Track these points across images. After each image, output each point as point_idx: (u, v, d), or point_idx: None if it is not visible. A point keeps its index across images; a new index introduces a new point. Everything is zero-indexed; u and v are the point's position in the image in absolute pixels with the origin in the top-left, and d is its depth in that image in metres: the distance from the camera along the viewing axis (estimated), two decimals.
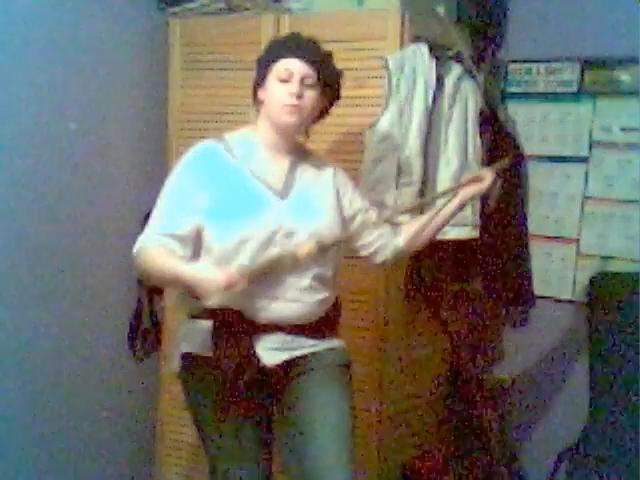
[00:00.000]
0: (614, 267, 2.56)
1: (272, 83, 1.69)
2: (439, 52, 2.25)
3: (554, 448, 2.55)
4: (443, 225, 1.94)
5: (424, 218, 1.92)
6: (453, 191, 1.93)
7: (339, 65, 2.27)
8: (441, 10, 2.30)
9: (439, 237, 2.25)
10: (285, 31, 2.36)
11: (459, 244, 2.35)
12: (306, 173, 1.78)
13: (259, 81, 1.74)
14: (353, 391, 1.83)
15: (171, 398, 2.69)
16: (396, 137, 2.16)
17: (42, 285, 2.35)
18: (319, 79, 1.70)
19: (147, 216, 2.68)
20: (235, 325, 1.68)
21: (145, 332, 2.75)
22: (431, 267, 2.41)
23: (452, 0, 2.38)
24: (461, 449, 2.66)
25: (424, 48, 2.20)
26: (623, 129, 2.54)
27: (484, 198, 2.38)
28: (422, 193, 2.22)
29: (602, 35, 2.54)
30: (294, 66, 1.67)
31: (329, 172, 1.83)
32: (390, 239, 1.88)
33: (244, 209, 1.68)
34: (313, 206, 1.74)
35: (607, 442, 2.37)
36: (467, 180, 1.93)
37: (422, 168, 2.21)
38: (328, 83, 1.74)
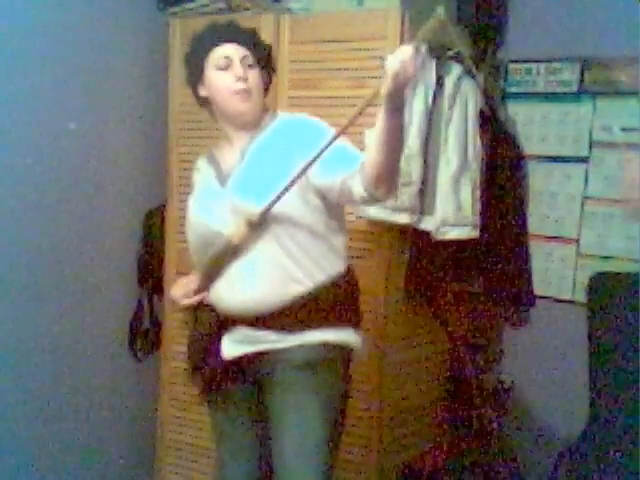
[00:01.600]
0: (614, 267, 2.56)
1: (212, 74, 1.66)
2: (439, 52, 2.25)
3: (554, 448, 2.54)
4: (390, 135, 1.46)
5: (374, 140, 1.52)
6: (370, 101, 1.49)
7: (339, 65, 2.28)
8: (441, 10, 2.29)
9: (439, 237, 2.25)
10: (285, 31, 2.36)
11: (459, 244, 2.35)
12: (259, 145, 1.68)
13: (196, 78, 1.70)
14: (339, 389, 1.70)
15: (171, 398, 2.69)
16: None
17: (42, 285, 2.35)
18: (255, 57, 1.68)
19: (147, 215, 2.70)
20: (205, 317, 1.70)
21: (145, 332, 2.75)
22: (431, 267, 2.41)
23: (452, 0, 2.38)
24: (461, 449, 2.66)
25: (424, 48, 2.20)
26: (623, 129, 2.54)
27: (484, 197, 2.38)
28: (422, 193, 2.22)
29: (602, 35, 2.54)
30: (230, 51, 1.65)
31: (287, 133, 1.68)
32: (354, 172, 1.55)
33: (199, 207, 1.73)
34: (257, 180, 1.62)
35: (607, 442, 2.37)
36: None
37: (422, 168, 2.21)
38: (263, 58, 1.71)
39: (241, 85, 1.64)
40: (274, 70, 1.78)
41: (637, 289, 2.45)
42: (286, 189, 1.54)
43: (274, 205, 1.55)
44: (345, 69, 2.27)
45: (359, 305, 1.77)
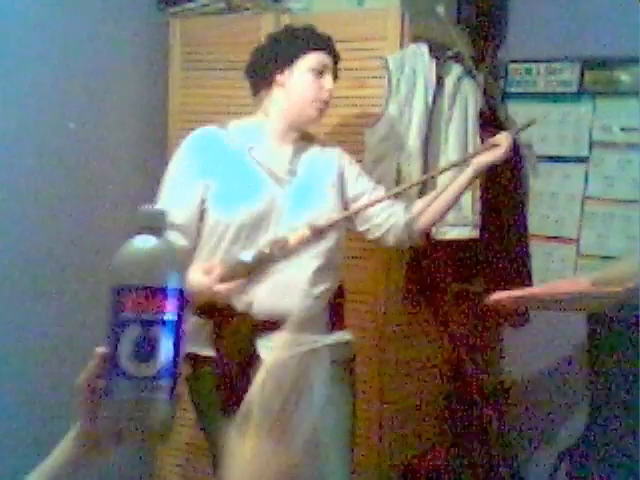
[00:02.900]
0: None
1: (302, 73, 1.69)
2: (439, 52, 2.25)
3: (554, 448, 2.54)
4: (457, 198, 1.86)
5: (436, 192, 1.87)
6: (466, 160, 1.87)
7: (339, 65, 2.28)
8: (441, 10, 2.30)
9: (439, 237, 2.25)
10: None
11: (459, 244, 2.35)
12: (310, 158, 1.77)
13: (283, 64, 1.70)
14: (355, 388, 1.82)
15: None
16: (396, 137, 2.16)
17: (42, 285, 2.35)
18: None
19: None
20: (236, 323, 1.67)
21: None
22: (431, 267, 2.41)
23: (452, 0, 2.38)
24: (461, 449, 2.66)
25: (424, 48, 2.20)
26: (623, 129, 2.54)
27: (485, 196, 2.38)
28: (422, 193, 2.22)
29: (602, 35, 2.54)
30: (326, 61, 1.71)
31: (333, 155, 1.82)
32: (402, 218, 1.82)
33: (245, 196, 1.67)
34: (314, 192, 1.73)
35: (607, 442, 2.37)
36: (481, 148, 1.89)
37: (422, 168, 2.21)
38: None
39: (327, 97, 1.71)
40: None
41: (637, 289, 2.45)
42: (357, 210, 1.79)
43: (339, 221, 1.74)
44: (345, 69, 2.27)
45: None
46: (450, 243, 2.31)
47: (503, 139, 1.80)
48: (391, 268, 2.29)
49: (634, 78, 2.50)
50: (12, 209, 2.24)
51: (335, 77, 1.76)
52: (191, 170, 1.69)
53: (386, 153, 2.16)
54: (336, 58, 1.75)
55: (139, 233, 0.72)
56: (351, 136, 2.25)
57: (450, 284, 2.58)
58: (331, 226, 1.71)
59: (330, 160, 1.80)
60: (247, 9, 2.50)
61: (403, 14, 2.18)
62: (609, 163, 2.58)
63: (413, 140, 2.19)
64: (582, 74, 2.60)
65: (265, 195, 1.68)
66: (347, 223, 1.83)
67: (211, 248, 1.67)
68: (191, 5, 2.57)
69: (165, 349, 0.69)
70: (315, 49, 1.70)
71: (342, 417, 1.71)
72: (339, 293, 1.82)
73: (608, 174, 2.58)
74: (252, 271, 1.63)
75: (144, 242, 0.72)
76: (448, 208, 1.86)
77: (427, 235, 2.25)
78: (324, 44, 1.72)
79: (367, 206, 1.80)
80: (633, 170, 2.52)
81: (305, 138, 1.81)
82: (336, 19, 2.29)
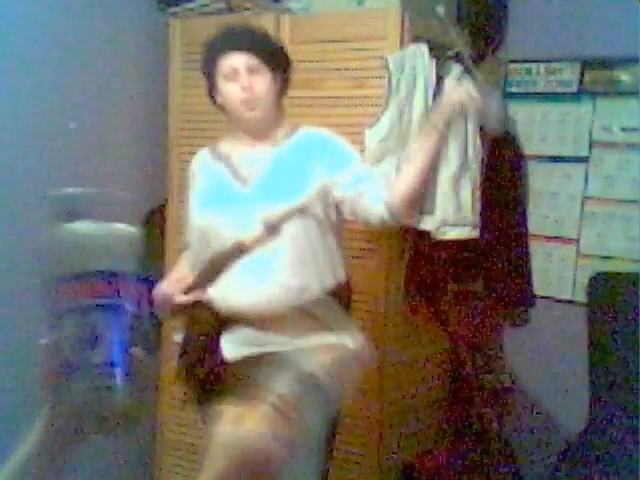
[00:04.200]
0: (614, 267, 2.56)
1: (221, 84, 1.69)
2: (439, 52, 2.25)
3: (554, 448, 2.54)
4: (432, 161, 1.72)
5: (411, 163, 1.75)
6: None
7: (339, 65, 2.29)
8: (441, 10, 2.30)
9: (439, 237, 2.25)
10: (285, 31, 2.36)
11: (459, 244, 2.35)
12: (282, 154, 1.73)
13: (211, 86, 1.73)
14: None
15: (171, 398, 2.69)
16: (396, 137, 2.16)
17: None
18: (264, 63, 1.67)
19: (147, 215, 2.70)
20: (203, 317, 1.69)
21: (145, 332, 2.74)
22: (431, 267, 2.41)
23: (452, 0, 2.38)
24: (461, 449, 2.66)
25: (424, 48, 2.20)
26: (623, 129, 2.54)
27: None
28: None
29: (602, 35, 2.54)
30: (235, 60, 1.66)
31: (312, 144, 1.74)
32: (379, 193, 1.69)
33: (211, 203, 1.72)
34: (280, 189, 1.68)
35: (607, 442, 2.37)
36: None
37: None
38: (273, 62, 1.70)
39: (246, 95, 1.66)
40: (288, 69, 1.77)
41: (637, 289, 2.45)
42: (304, 205, 1.64)
43: (292, 216, 1.62)
44: (345, 69, 2.27)
45: (351, 312, 1.86)
46: (450, 243, 2.31)
47: (448, 87, 1.73)
48: (391, 268, 2.29)
49: (634, 78, 2.50)
50: (12, 209, 2.24)
51: (269, 72, 1.68)
52: (191, 193, 1.80)
53: (386, 153, 2.16)
54: (261, 53, 1.66)
55: (68, 220, 0.69)
56: (351, 136, 2.25)
57: (450, 284, 2.58)
58: (286, 218, 1.63)
59: (307, 150, 1.72)
60: (247, 9, 2.50)
61: (403, 14, 2.18)
62: (609, 163, 2.58)
63: (413, 140, 2.18)
64: (582, 74, 2.60)
65: (228, 198, 1.69)
66: (323, 209, 1.71)
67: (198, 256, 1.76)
68: (191, 5, 2.57)
69: (110, 334, 0.68)
70: (218, 56, 1.66)
71: (314, 424, 1.68)
72: (333, 296, 1.73)
73: (608, 174, 2.58)
74: (210, 276, 1.65)
75: (78, 228, 0.69)
76: (424, 177, 1.71)
77: (427, 235, 2.26)
78: (232, 45, 1.66)
79: (316, 192, 1.67)
80: (633, 170, 2.53)
81: (283, 133, 1.75)
82: (336, 19, 2.29)
